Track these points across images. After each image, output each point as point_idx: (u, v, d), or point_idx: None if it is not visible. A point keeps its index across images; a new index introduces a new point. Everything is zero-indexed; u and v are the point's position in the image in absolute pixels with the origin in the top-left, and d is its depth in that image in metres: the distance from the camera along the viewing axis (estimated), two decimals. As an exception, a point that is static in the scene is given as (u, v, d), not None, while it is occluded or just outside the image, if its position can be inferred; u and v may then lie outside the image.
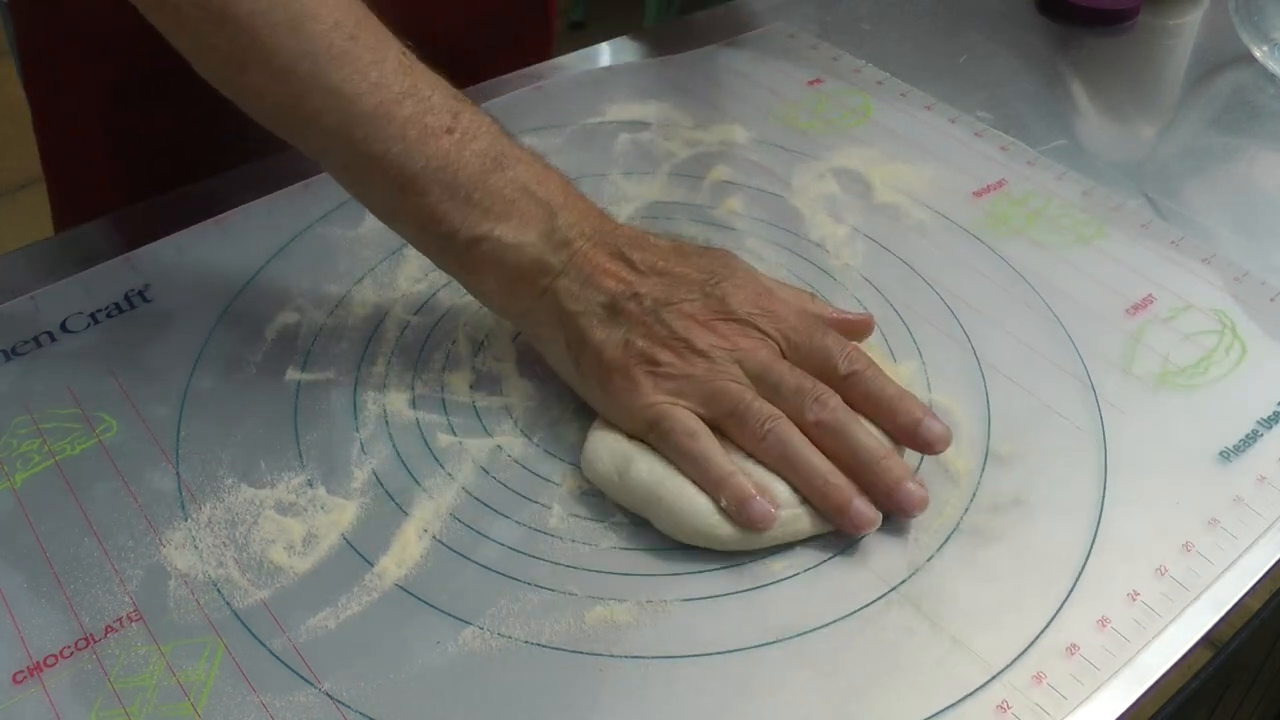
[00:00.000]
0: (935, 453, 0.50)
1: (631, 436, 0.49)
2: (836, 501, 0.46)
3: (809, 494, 0.47)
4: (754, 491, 0.46)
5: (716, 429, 0.48)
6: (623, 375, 0.48)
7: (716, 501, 0.46)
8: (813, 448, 0.47)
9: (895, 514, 0.48)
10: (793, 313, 0.51)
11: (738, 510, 0.46)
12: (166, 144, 0.68)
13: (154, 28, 0.48)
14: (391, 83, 0.47)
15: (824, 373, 0.49)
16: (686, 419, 0.47)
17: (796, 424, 0.48)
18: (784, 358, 0.49)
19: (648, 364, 0.48)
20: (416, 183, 0.47)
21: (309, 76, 0.46)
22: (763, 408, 0.47)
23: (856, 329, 0.53)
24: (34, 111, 0.73)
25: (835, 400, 0.48)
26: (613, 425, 0.50)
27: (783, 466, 0.47)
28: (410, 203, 0.48)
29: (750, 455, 0.48)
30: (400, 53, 0.49)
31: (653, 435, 0.48)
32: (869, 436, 0.48)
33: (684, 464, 0.47)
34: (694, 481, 0.47)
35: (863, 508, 0.46)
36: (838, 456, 0.47)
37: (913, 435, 0.49)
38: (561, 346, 0.50)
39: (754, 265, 0.59)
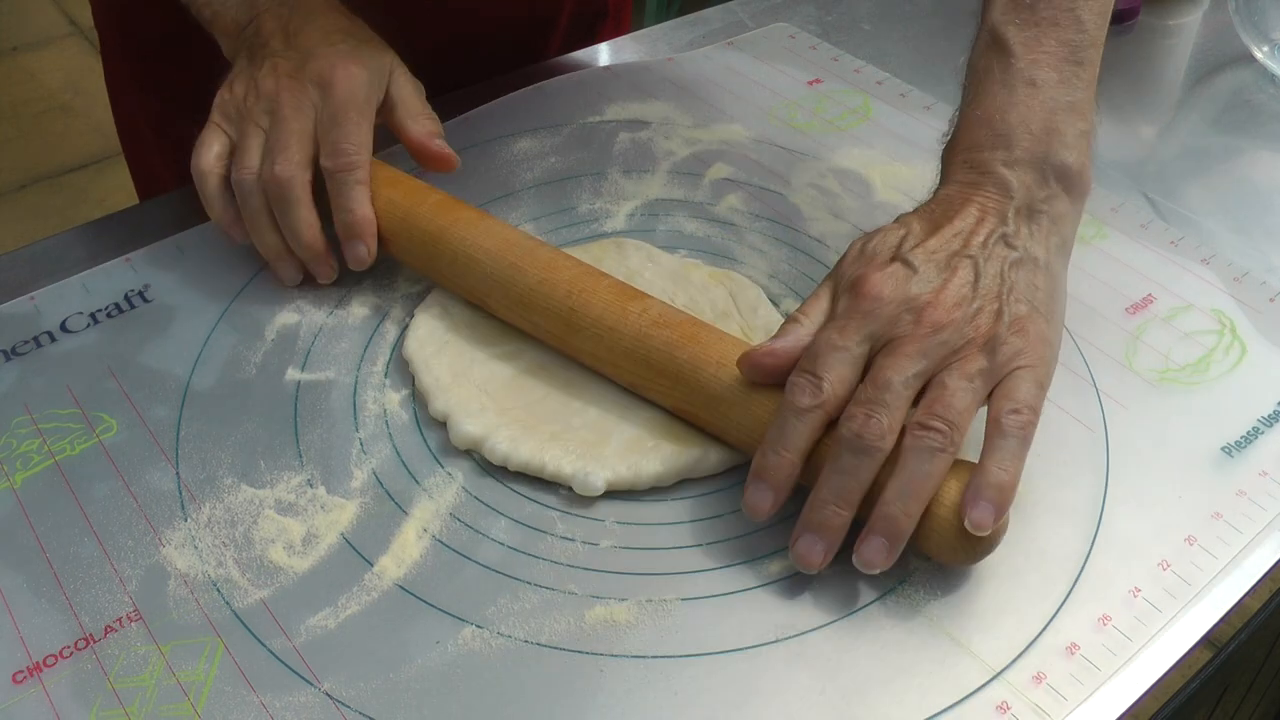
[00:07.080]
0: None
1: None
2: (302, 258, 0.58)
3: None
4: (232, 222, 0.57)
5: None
6: (221, 91, 0.59)
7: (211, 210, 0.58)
8: (307, 201, 0.56)
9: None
10: (347, 86, 0.57)
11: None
12: None
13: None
14: None
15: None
16: (209, 143, 0.57)
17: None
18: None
19: (228, 90, 0.58)
20: None
21: None
22: (248, 151, 0.56)
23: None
24: (110, 96, 0.83)
25: (293, 171, 0.55)
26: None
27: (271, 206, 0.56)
28: None
29: None
30: None
31: None
32: (362, 202, 0.56)
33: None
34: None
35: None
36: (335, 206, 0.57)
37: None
38: None
39: (754, 260, 0.58)
